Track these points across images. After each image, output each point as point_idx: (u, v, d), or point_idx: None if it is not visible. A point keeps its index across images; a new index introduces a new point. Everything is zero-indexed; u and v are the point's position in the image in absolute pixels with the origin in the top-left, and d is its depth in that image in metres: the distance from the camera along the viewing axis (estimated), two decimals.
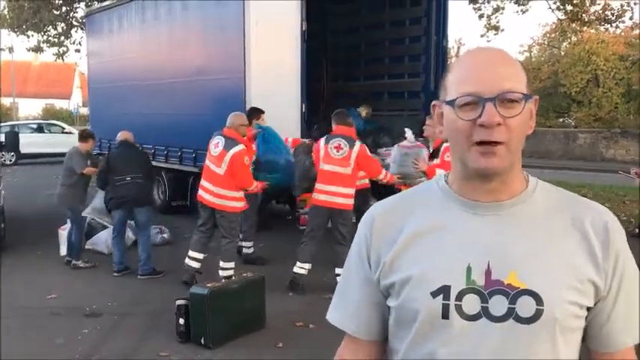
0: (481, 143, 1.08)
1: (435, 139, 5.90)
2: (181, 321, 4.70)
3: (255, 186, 6.19)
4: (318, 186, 5.96)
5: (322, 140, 6.03)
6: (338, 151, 5.87)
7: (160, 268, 6.66)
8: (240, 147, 5.92)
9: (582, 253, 1.12)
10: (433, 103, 1.22)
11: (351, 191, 5.91)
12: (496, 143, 1.08)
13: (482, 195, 1.15)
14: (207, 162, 6.13)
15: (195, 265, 6.15)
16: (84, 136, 7.20)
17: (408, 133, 6.14)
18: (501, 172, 1.11)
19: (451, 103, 1.12)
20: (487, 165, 1.09)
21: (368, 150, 6.15)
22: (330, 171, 5.87)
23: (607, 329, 1.15)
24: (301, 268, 6.02)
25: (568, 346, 1.12)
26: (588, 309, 1.13)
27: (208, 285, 4.78)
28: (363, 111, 9.03)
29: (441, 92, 1.18)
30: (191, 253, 6.19)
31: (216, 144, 5.98)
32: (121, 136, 6.93)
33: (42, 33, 16.98)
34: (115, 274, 6.60)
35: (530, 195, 1.16)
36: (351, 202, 5.91)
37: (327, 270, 6.20)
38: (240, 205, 6.08)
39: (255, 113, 6.90)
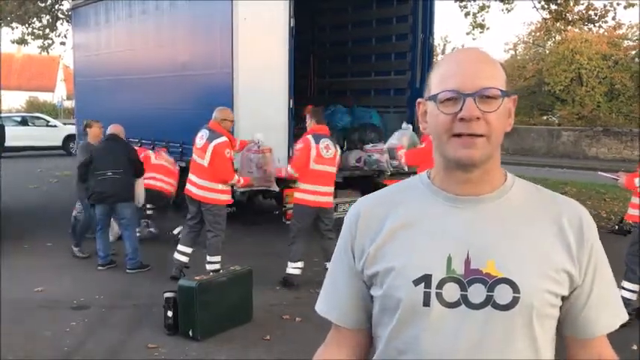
0: (461, 135, 1.15)
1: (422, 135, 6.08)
2: (169, 313, 4.75)
3: (237, 180, 6.11)
4: (307, 186, 5.94)
5: (311, 139, 5.94)
6: (327, 151, 5.95)
7: (147, 261, 6.68)
8: (222, 139, 5.93)
9: (558, 245, 1.18)
10: (418, 100, 1.28)
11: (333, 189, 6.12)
12: (476, 136, 1.14)
13: (463, 188, 1.21)
14: (193, 155, 6.19)
15: (184, 259, 6.20)
16: (84, 127, 7.41)
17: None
18: (480, 163, 1.17)
19: (434, 97, 1.19)
20: (467, 155, 1.15)
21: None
22: (322, 171, 5.92)
23: (584, 317, 1.22)
24: (295, 268, 6.06)
25: (544, 332, 1.18)
26: (563, 298, 1.20)
27: (196, 278, 4.83)
28: None
29: (425, 91, 1.24)
30: (180, 248, 6.24)
31: (201, 136, 6.04)
32: (110, 129, 6.90)
33: (27, 25, 16.81)
34: (100, 267, 6.62)
35: (508, 190, 1.23)
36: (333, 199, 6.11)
37: (312, 265, 6.28)
38: (225, 198, 6.11)
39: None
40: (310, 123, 6.14)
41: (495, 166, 1.22)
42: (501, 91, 1.16)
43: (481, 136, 1.14)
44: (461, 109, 1.14)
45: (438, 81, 1.20)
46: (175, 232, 7.92)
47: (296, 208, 6.07)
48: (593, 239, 1.21)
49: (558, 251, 1.18)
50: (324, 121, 6.26)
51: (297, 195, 6.01)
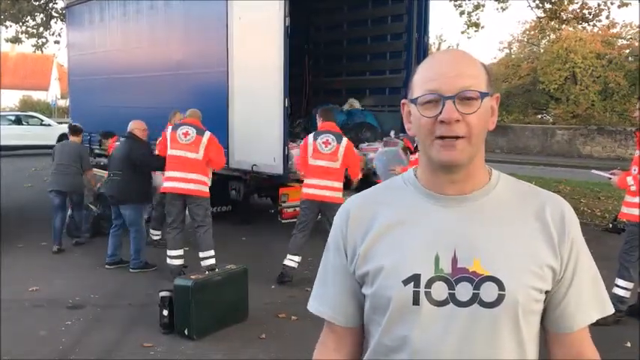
0: (442, 137, 1.17)
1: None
2: (165, 312, 4.76)
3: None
4: (307, 180, 6.11)
5: (310, 137, 6.17)
6: (326, 147, 6.02)
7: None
8: (208, 131, 6.22)
9: (541, 241, 1.20)
10: (402, 101, 1.30)
11: (340, 185, 6.06)
12: (457, 137, 1.16)
13: (448, 187, 1.23)
14: (175, 151, 6.09)
15: (179, 262, 6.20)
16: (76, 131, 7.78)
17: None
18: (462, 164, 1.19)
19: (414, 101, 1.21)
20: (449, 158, 1.17)
21: (353, 147, 6.30)
22: (319, 166, 6.02)
23: (562, 309, 1.23)
24: (291, 260, 6.11)
25: (530, 328, 1.21)
26: (547, 292, 1.22)
27: (192, 277, 4.83)
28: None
29: (409, 91, 1.26)
30: (171, 253, 6.19)
31: (186, 132, 6.11)
32: (129, 126, 6.78)
33: (21, 24, 16.73)
34: (107, 266, 6.66)
35: (493, 187, 1.25)
36: (340, 195, 6.01)
37: (308, 263, 6.28)
38: (207, 189, 6.20)
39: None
40: (319, 121, 6.33)
41: (479, 165, 1.24)
42: (480, 92, 1.17)
43: (462, 137, 1.16)
44: (441, 112, 1.16)
45: (419, 83, 1.21)
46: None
47: (301, 202, 6.27)
48: (575, 233, 1.23)
49: (542, 247, 1.20)
50: (330, 118, 6.33)
51: (302, 189, 6.20)
